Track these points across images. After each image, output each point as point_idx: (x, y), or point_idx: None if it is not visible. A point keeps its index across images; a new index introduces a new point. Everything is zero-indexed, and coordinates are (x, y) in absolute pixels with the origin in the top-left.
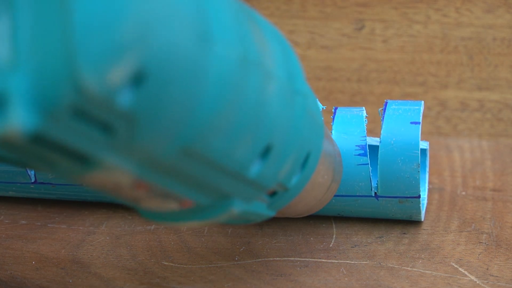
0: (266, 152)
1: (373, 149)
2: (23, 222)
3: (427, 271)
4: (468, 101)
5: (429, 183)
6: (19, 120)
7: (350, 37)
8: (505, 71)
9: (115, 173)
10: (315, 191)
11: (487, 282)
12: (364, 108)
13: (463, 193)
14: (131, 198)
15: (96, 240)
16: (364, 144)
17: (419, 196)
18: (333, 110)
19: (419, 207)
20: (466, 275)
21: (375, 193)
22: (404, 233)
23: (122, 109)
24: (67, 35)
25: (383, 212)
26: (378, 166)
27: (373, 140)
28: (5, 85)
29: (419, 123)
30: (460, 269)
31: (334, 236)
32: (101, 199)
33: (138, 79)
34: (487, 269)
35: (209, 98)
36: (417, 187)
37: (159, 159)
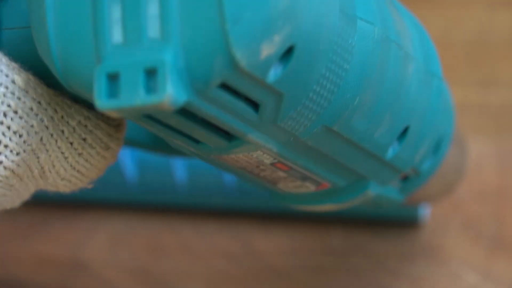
0: (404, 134)
1: None
2: (23, 221)
3: (427, 271)
4: (469, 101)
5: None
6: (171, 91)
7: None
8: (507, 71)
9: (258, 151)
10: (443, 177)
11: (488, 283)
12: None
13: (465, 193)
14: (270, 179)
15: (96, 240)
16: None
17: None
18: None
19: (418, 208)
20: (467, 276)
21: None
22: (404, 233)
23: (271, 84)
24: (218, 9)
25: (382, 213)
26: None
27: None
28: (157, 58)
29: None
30: (461, 269)
31: (335, 236)
32: (101, 198)
33: (287, 53)
34: (488, 269)
35: (354, 75)
36: None
37: (301, 138)
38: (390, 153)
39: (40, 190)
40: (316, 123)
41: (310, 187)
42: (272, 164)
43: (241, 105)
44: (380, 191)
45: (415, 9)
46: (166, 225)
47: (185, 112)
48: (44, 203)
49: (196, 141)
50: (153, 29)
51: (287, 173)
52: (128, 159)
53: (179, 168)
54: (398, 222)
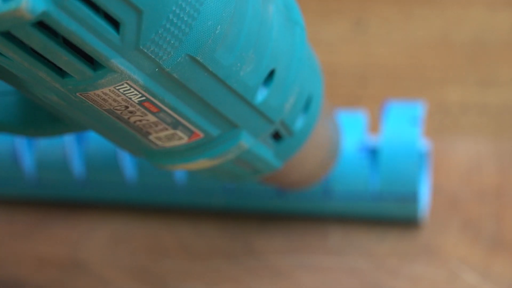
0: (270, 79)
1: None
2: (22, 222)
3: (427, 271)
4: (469, 101)
5: (431, 182)
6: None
7: (351, 35)
8: (507, 71)
9: (125, 84)
10: (316, 152)
11: (488, 282)
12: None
13: (465, 192)
14: (141, 127)
15: (96, 240)
16: (366, 146)
17: (417, 197)
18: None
19: (417, 207)
20: (467, 275)
21: (374, 192)
22: (404, 233)
23: None
24: None
25: (381, 213)
26: (379, 167)
27: (372, 140)
28: None
29: (419, 125)
30: (460, 269)
31: (334, 236)
32: (101, 198)
33: None
34: (488, 269)
35: (213, 2)
36: (416, 187)
37: (166, 68)
38: (258, 97)
39: (40, 190)
40: (179, 51)
41: (183, 138)
42: (140, 103)
43: (101, 22)
44: (254, 146)
45: (415, 9)
46: (166, 225)
47: (45, 28)
48: (43, 203)
49: (61, 74)
50: None
51: (157, 117)
52: (128, 159)
53: None
54: (398, 222)
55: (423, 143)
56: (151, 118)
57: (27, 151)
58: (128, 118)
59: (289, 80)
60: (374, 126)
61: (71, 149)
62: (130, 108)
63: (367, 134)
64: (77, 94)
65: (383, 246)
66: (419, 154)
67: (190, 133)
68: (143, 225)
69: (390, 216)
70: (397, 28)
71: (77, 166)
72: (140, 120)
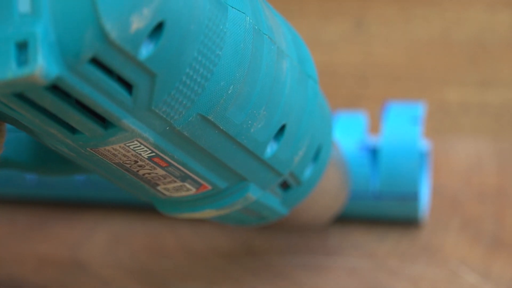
0: (281, 133)
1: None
2: (22, 222)
3: (427, 271)
4: (469, 101)
5: (431, 182)
6: (42, 62)
7: (351, 36)
8: (506, 71)
9: (135, 141)
10: (323, 195)
11: (488, 282)
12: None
13: (464, 193)
14: (150, 178)
15: (96, 240)
16: (367, 145)
17: (417, 197)
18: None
19: (418, 207)
20: (466, 275)
21: (375, 192)
22: (405, 233)
23: (143, 61)
24: None
25: (382, 213)
26: (379, 167)
27: (373, 140)
28: (28, 31)
29: (419, 124)
30: (460, 269)
31: (334, 236)
32: (101, 198)
33: (157, 31)
34: (488, 269)
35: (226, 62)
36: (416, 187)
37: (177, 126)
38: (268, 152)
39: (40, 190)
40: (191, 111)
41: (191, 189)
42: (150, 158)
43: (114, 85)
44: (261, 197)
45: (415, 9)
46: (166, 225)
47: (58, 90)
48: (44, 203)
49: (72, 131)
50: (23, 4)
51: (166, 170)
52: None
53: None
54: (398, 222)
55: (424, 143)
56: (160, 171)
57: None
58: (137, 171)
59: (300, 133)
60: (374, 126)
61: None
62: (140, 163)
63: (367, 134)
64: (88, 149)
65: (383, 246)
66: (419, 154)
67: (198, 185)
68: (143, 225)
69: (390, 216)
70: (397, 28)
71: None
72: (149, 173)
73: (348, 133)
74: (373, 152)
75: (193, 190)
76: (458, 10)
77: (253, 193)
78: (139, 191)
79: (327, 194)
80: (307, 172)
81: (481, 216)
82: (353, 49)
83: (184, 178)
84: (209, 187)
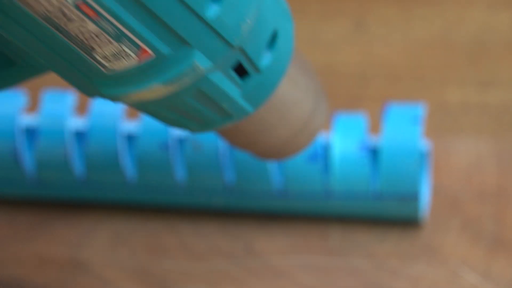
0: None
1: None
2: (23, 222)
3: (428, 271)
4: (469, 101)
5: (431, 182)
6: (201, 61)
7: (351, 36)
8: (507, 71)
9: None
10: (296, 109)
11: (489, 282)
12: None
13: (464, 193)
14: (82, 39)
15: (96, 240)
16: (367, 145)
17: (417, 197)
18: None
19: (418, 207)
20: (467, 275)
21: (375, 192)
22: (405, 233)
23: None
24: None
25: (382, 213)
26: (379, 167)
27: (373, 140)
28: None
29: (420, 124)
30: (461, 269)
31: (334, 236)
32: (101, 198)
33: None
34: (488, 269)
35: None
36: (416, 187)
37: None
38: (209, 11)
39: (41, 190)
40: None
41: (131, 56)
42: (76, 5)
43: None
44: (213, 73)
45: (415, 9)
46: (166, 225)
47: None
48: (44, 203)
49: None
50: None
51: (97, 25)
52: (129, 159)
53: (179, 168)
54: (399, 222)
55: (424, 143)
56: (91, 26)
57: (28, 151)
58: (66, 26)
59: None
60: (375, 127)
61: (71, 149)
62: (67, 13)
63: (367, 134)
64: None
65: (383, 246)
66: (420, 154)
67: (137, 48)
68: (144, 225)
69: (391, 215)
70: (397, 28)
71: (78, 166)
72: (80, 31)
73: (348, 134)
74: (373, 152)
75: (134, 57)
76: (458, 10)
77: (201, 63)
78: (80, 69)
79: (298, 108)
80: (265, 59)
81: (481, 216)
82: (353, 49)
83: (119, 37)
84: (150, 53)
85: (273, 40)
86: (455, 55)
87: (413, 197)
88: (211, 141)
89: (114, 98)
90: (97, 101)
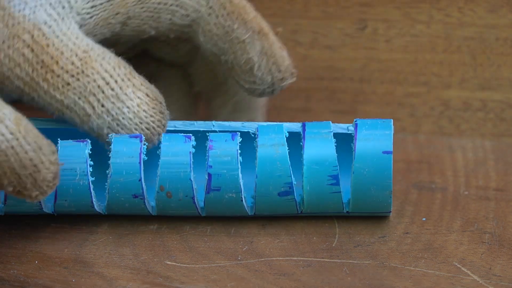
0: None
1: (342, 137)
2: (26, 221)
3: (430, 271)
4: (471, 101)
5: (432, 182)
6: None
7: (353, 37)
8: (508, 71)
9: None
10: None
11: (490, 282)
12: (330, 122)
13: (466, 192)
14: None
15: (99, 240)
16: (336, 174)
17: (389, 212)
18: (301, 128)
19: (389, 214)
20: (469, 275)
21: (347, 211)
22: (407, 233)
23: None
24: None
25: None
26: (351, 191)
27: (340, 128)
28: None
29: (391, 152)
30: (463, 268)
31: (337, 235)
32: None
33: None
34: (490, 268)
35: None
36: (388, 207)
37: None
38: None
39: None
40: None
41: None
42: None
43: None
44: None
45: (415, 9)
46: (168, 225)
47: None
48: None
49: None
50: None
51: None
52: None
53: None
54: (400, 222)
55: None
56: None
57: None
58: None
59: None
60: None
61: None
62: None
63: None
64: None
65: (386, 246)
66: (391, 183)
67: None
68: (146, 225)
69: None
70: (399, 30)
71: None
72: None
73: (319, 163)
74: (342, 140)
75: None
76: (460, 11)
77: None
78: None
79: None
80: None
81: (482, 216)
82: (355, 50)
83: None
84: None
85: None
86: (456, 55)
87: (384, 213)
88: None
89: None
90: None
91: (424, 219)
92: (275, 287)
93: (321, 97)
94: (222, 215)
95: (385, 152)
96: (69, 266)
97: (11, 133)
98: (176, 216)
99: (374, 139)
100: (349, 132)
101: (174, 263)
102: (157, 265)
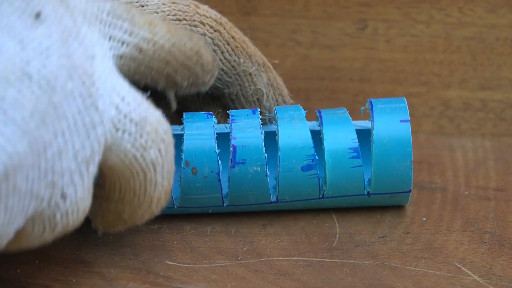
0: None
1: (361, 133)
2: None
3: (430, 271)
4: (471, 101)
5: (432, 182)
6: None
7: (353, 37)
8: (508, 70)
9: None
10: None
11: (490, 282)
12: (345, 108)
13: (466, 192)
14: None
15: (100, 239)
16: (357, 146)
17: (410, 191)
18: (316, 113)
19: (408, 199)
20: (469, 275)
21: (368, 192)
22: (407, 233)
23: None
24: None
25: (372, 204)
26: (372, 165)
27: (360, 125)
28: None
29: (408, 120)
30: (463, 268)
31: (337, 235)
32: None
33: None
34: (490, 268)
35: None
36: (409, 183)
37: None
38: None
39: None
40: None
41: None
42: None
43: None
44: None
45: (415, 9)
46: (169, 224)
47: None
48: None
49: None
50: None
51: None
52: None
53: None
54: (400, 222)
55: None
56: None
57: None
58: None
59: None
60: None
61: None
62: None
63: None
64: None
65: (386, 246)
66: (411, 151)
67: None
68: (146, 225)
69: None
70: (399, 30)
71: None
72: None
73: (339, 136)
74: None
75: None
76: (460, 11)
77: None
78: None
79: None
80: None
81: (482, 216)
82: (356, 49)
83: None
84: None
85: None
86: (455, 55)
87: (404, 192)
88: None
89: None
90: None
91: (424, 219)
92: (275, 287)
93: (321, 97)
94: (244, 204)
95: (402, 121)
96: (69, 266)
97: (168, 31)
98: (177, 215)
99: (391, 110)
100: (364, 128)
101: (174, 263)
102: (157, 265)
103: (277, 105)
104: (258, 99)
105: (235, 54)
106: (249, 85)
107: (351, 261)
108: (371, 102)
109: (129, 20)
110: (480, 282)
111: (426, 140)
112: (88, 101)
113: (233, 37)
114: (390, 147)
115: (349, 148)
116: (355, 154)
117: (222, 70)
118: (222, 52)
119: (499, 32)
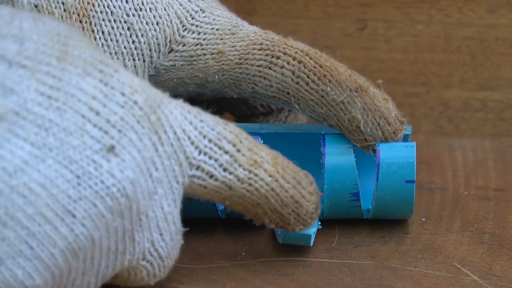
0: None
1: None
2: None
3: (429, 271)
4: (470, 101)
5: (432, 182)
6: None
7: (353, 37)
8: (508, 71)
9: None
10: None
11: (490, 282)
12: (352, 145)
13: (466, 193)
14: None
15: None
16: (357, 191)
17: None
18: (321, 141)
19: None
20: (468, 275)
21: (367, 218)
22: (407, 233)
23: None
24: None
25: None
26: (371, 212)
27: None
28: None
29: (414, 181)
30: (462, 269)
31: (336, 236)
32: None
33: None
34: (490, 269)
35: None
36: (410, 215)
37: None
38: None
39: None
40: None
41: None
42: None
43: None
44: None
45: (415, 9)
46: None
47: None
48: None
49: None
50: None
51: None
52: None
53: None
54: (400, 222)
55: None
56: None
57: None
58: None
59: None
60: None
61: None
62: None
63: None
64: None
65: (385, 246)
66: (412, 210)
67: None
68: None
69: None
70: (399, 30)
71: None
72: None
73: (341, 182)
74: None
75: None
76: (460, 11)
77: None
78: None
79: None
80: None
81: (481, 216)
82: (356, 49)
83: None
84: None
85: None
86: (455, 55)
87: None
88: None
89: None
90: None
91: (423, 219)
92: (275, 287)
93: None
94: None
95: (408, 182)
96: None
97: (270, 176)
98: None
99: (397, 167)
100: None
101: (175, 263)
102: None
103: (380, 129)
104: (357, 127)
105: (322, 83)
106: (344, 114)
107: (350, 261)
108: (378, 151)
109: (231, 153)
110: (480, 282)
111: (425, 140)
112: (128, 234)
113: (320, 66)
114: (392, 204)
115: (349, 193)
116: (355, 198)
117: (312, 100)
118: (307, 83)
119: (499, 32)
